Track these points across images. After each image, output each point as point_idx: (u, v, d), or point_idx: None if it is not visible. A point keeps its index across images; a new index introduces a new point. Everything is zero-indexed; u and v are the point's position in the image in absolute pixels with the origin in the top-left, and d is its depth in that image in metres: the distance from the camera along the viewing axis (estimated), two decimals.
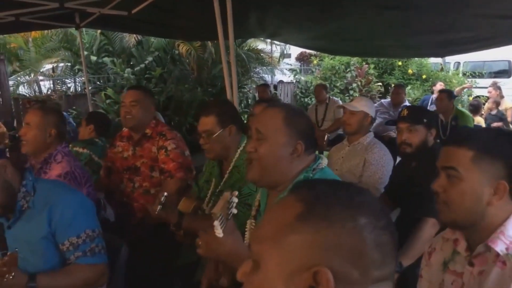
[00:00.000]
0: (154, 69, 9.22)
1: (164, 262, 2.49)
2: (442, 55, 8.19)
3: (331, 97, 6.66)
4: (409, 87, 10.42)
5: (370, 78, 10.87)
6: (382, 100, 6.70)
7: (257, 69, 11.56)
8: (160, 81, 9.06)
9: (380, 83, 10.96)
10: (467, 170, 1.23)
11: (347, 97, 10.33)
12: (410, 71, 11.06)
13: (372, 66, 11.20)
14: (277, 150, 1.47)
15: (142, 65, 9.37)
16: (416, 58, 10.91)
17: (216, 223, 1.29)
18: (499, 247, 1.20)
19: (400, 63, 11.24)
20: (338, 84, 11.10)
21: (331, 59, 11.48)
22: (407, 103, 5.98)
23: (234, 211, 1.38)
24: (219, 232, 1.30)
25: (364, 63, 11.22)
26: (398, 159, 2.89)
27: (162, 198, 2.01)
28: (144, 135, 2.76)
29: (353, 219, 0.62)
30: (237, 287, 1.63)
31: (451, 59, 11.77)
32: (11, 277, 1.52)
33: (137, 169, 2.74)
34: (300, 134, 1.48)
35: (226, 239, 1.32)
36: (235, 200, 1.38)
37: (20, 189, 1.77)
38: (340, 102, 6.53)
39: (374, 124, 4.39)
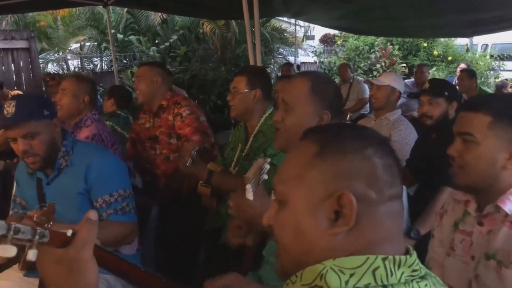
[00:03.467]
0: (179, 48, 9.30)
1: (191, 226, 2.61)
2: (469, 35, 8.04)
3: (355, 76, 6.64)
4: (434, 68, 10.25)
5: (395, 59, 10.72)
6: (406, 80, 6.63)
7: (281, 49, 11.52)
8: (185, 60, 9.15)
9: (404, 64, 10.80)
10: (483, 135, 1.26)
11: (371, 78, 10.25)
12: (435, 52, 10.86)
13: (396, 47, 11.02)
14: (303, 119, 1.47)
15: (167, 44, 9.46)
16: (442, 40, 10.70)
17: (248, 186, 1.36)
18: (508, 207, 1.24)
19: (425, 44, 11.03)
20: (361, 65, 11.00)
21: (356, 39, 11.35)
22: None
23: (265, 176, 1.47)
24: (250, 195, 1.38)
25: (388, 44, 11.06)
26: None
27: (193, 152, 2.10)
28: (161, 106, 2.88)
29: (363, 149, 0.71)
30: (260, 247, 1.74)
31: (479, 41, 11.51)
32: (49, 225, 1.65)
33: (156, 138, 2.89)
34: (327, 104, 1.49)
35: (256, 202, 1.38)
36: (267, 166, 1.46)
37: (61, 149, 1.88)
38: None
39: (397, 104, 4.40)
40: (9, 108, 1.73)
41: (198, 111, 2.87)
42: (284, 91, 1.55)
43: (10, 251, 0.68)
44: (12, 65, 8.56)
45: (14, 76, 8.46)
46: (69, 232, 0.74)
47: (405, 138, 2.79)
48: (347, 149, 0.71)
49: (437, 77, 9.90)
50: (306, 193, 0.72)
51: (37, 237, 0.70)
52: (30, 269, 1.82)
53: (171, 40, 9.51)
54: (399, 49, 11.10)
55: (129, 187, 1.97)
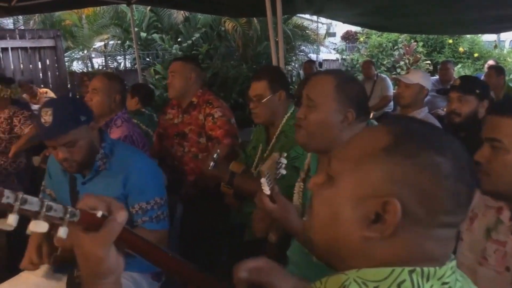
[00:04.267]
0: (201, 46, 9.35)
1: (214, 223, 2.62)
2: (496, 31, 7.86)
3: (379, 74, 6.57)
4: (459, 65, 10.07)
5: (418, 56, 10.57)
6: (431, 78, 6.53)
7: (302, 47, 11.48)
8: (207, 58, 9.20)
9: (428, 62, 10.64)
10: None
11: (394, 75, 10.12)
12: (461, 49, 10.66)
13: (420, 43, 10.86)
14: (327, 117, 1.46)
15: (189, 42, 9.52)
16: (468, 36, 10.49)
17: (263, 180, 1.36)
18: None
19: (450, 41, 10.84)
20: (385, 62, 10.87)
21: (378, 36, 11.22)
22: None
23: (283, 171, 1.46)
24: (266, 189, 1.37)
25: (412, 41, 10.91)
26: None
27: (215, 155, 2.11)
28: (191, 103, 2.87)
29: (437, 164, 0.64)
30: (283, 244, 1.73)
31: (507, 37, 11.25)
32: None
33: (185, 135, 2.88)
34: (352, 102, 1.46)
35: (275, 208, 1.38)
36: (284, 161, 1.45)
37: (99, 151, 1.86)
38: (388, 79, 6.42)
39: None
40: (46, 117, 1.68)
41: (229, 113, 2.86)
42: (310, 88, 1.53)
43: (42, 226, 0.71)
44: (39, 63, 8.75)
45: (41, 74, 8.64)
46: (99, 214, 0.76)
47: None
48: (420, 158, 0.64)
49: (463, 74, 9.73)
50: (357, 182, 0.67)
51: (68, 215, 0.73)
52: (59, 264, 1.86)
53: (193, 38, 9.57)
54: (423, 46, 10.93)
55: (165, 195, 1.96)
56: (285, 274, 1.03)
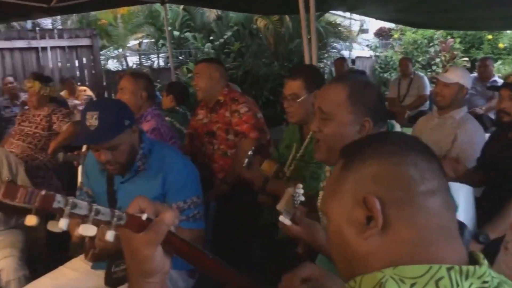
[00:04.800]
0: (233, 44, 9.40)
1: (247, 220, 2.63)
2: None
3: (416, 72, 6.43)
4: (499, 62, 9.73)
5: (455, 53, 10.27)
6: (470, 76, 6.34)
7: (334, 44, 11.36)
8: (238, 56, 9.23)
9: (466, 58, 10.33)
10: None
11: (429, 73, 9.88)
12: (501, 45, 10.30)
13: (458, 40, 10.56)
14: (343, 129, 1.39)
15: (222, 40, 9.58)
16: (508, 31, 10.13)
17: (281, 217, 1.39)
18: None
19: (490, 37, 10.49)
20: (420, 59, 10.63)
21: (413, 32, 10.98)
22: (496, 78, 5.55)
23: (302, 198, 1.46)
24: (286, 222, 1.40)
25: (449, 37, 10.62)
26: (487, 135, 2.76)
27: (250, 153, 2.11)
28: (218, 102, 2.91)
29: (380, 153, 0.73)
30: (311, 256, 1.72)
31: None
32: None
33: (214, 133, 2.93)
34: (367, 110, 1.39)
35: (298, 229, 1.39)
36: (300, 191, 1.45)
37: (138, 151, 1.89)
38: (425, 78, 6.27)
39: None
40: (92, 120, 1.71)
41: (255, 108, 2.90)
42: (321, 100, 1.46)
43: (90, 230, 0.74)
44: (76, 61, 9.00)
45: (77, 72, 8.88)
46: (144, 217, 0.78)
47: (472, 137, 2.63)
48: (366, 157, 0.73)
49: (503, 71, 9.40)
50: (339, 204, 0.75)
51: (115, 219, 0.75)
52: (96, 261, 1.90)
53: (225, 37, 9.62)
54: (460, 42, 10.63)
55: (201, 194, 1.98)
56: (334, 278, 1.03)
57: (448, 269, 0.64)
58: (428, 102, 5.94)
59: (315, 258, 1.70)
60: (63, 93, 6.76)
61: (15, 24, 8.55)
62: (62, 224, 0.71)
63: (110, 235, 0.75)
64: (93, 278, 1.93)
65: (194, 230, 1.91)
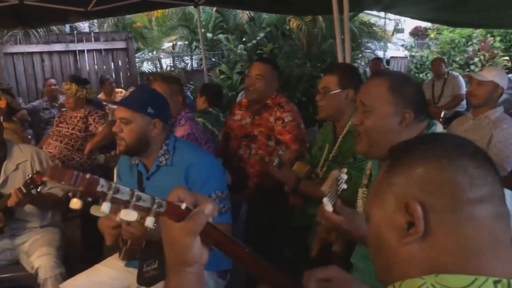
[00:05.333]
0: (266, 45, 9.39)
1: (278, 224, 2.61)
2: None
3: (450, 72, 6.26)
4: None
5: (495, 52, 9.94)
6: (509, 75, 6.12)
7: (369, 44, 11.19)
8: (271, 57, 9.22)
9: (507, 58, 9.99)
10: None
11: (467, 73, 9.60)
12: None
13: (498, 38, 10.22)
14: (384, 121, 1.43)
15: (254, 41, 9.59)
16: None
17: (325, 199, 1.36)
18: None
19: None
20: (457, 59, 10.34)
21: (451, 31, 10.69)
22: None
23: (344, 186, 1.44)
24: (328, 207, 1.37)
25: (488, 36, 10.28)
26: None
27: (280, 152, 2.10)
28: (265, 105, 2.86)
29: (427, 157, 0.70)
30: (348, 254, 1.69)
31: None
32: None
33: (254, 137, 2.88)
34: (408, 102, 1.43)
35: (338, 218, 1.37)
36: (344, 176, 1.43)
37: (162, 147, 1.96)
38: (460, 77, 6.10)
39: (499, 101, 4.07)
40: (127, 92, 1.90)
41: (299, 118, 2.85)
42: (363, 93, 1.51)
43: (131, 215, 0.75)
44: (112, 64, 9.23)
45: (113, 74, 9.09)
46: (183, 206, 0.80)
47: (509, 138, 2.56)
48: (412, 159, 0.71)
49: None
50: (381, 207, 0.73)
51: (155, 205, 0.76)
52: (130, 259, 1.93)
53: (258, 38, 9.63)
54: (500, 40, 10.29)
55: (226, 189, 1.99)
56: (357, 284, 1.01)
57: (495, 282, 0.61)
58: (464, 102, 5.77)
59: (350, 255, 1.68)
60: (100, 95, 6.90)
61: (54, 28, 8.82)
62: (105, 207, 0.73)
63: (149, 221, 0.77)
64: (127, 276, 1.97)
65: (220, 224, 1.91)
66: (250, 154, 2.91)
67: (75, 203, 0.73)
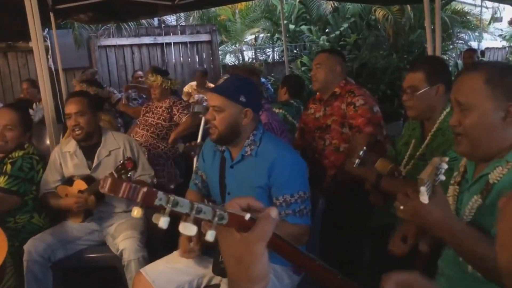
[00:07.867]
0: (349, 36, 9.13)
1: (357, 221, 2.53)
2: None
3: None
4: None
5: None
6: None
7: (462, 34, 10.47)
8: (354, 48, 8.95)
9: None
10: None
11: None
12: None
13: None
14: (485, 118, 1.32)
15: (337, 32, 9.38)
16: None
17: (422, 189, 1.25)
18: None
19: None
20: None
21: None
22: None
23: (442, 177, 1.31)
24: (424, 198, 1.27)
25: None
26: None
27: (361, 153, 2.01)
28: (333, 94, 2.85)
29: None
30: (435, 254, 1.57)
31: None
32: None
33: (327, 127, 2.85)
34: (510, 94, 1.30)
35: (434, 209, 1.27)
36: (445, 166, 1.31)
37: (249, 137, 1.96)
38: None
39: None
40: (221, 80, 2.11)
41: (372, 101, 2.78)
42: (457, 91, 1.38)
43: (191, 229, 0.70)
44: (196, 56, 9.52)
45: (197, 67, 9.36)
46: (247, 217, 0.74)
47: None
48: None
49: None
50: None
51: (216, 218, 0.71)
52: (206, 248, 1.96)
53: (341, 29, 9.40)
54: None
55: (308, 189, 1.96)
56: None
57: None
58: None
59: (437, 257, 1.56)
60: (193, 84, 6.99)
61: (143, 21, 9.26)
62: (162, 223, 0.70)
63: (210, 235, 0.72)
64: (204, 264, 2.01)
65: (300, 225, 1.89)
66: (324, 145, 2.87)
67: (137, 212, 0.70)
